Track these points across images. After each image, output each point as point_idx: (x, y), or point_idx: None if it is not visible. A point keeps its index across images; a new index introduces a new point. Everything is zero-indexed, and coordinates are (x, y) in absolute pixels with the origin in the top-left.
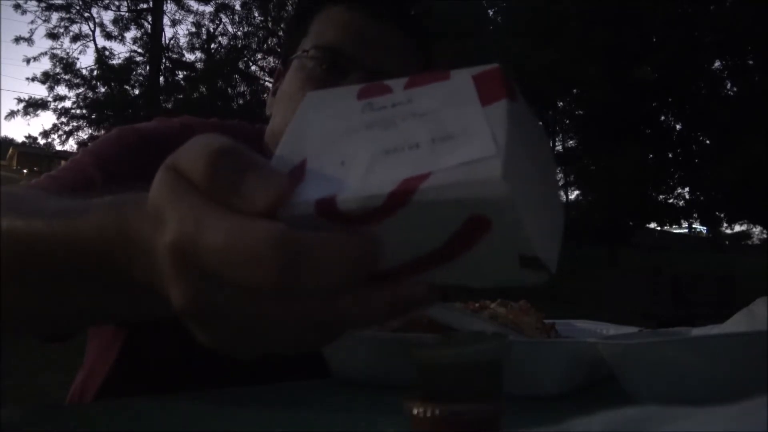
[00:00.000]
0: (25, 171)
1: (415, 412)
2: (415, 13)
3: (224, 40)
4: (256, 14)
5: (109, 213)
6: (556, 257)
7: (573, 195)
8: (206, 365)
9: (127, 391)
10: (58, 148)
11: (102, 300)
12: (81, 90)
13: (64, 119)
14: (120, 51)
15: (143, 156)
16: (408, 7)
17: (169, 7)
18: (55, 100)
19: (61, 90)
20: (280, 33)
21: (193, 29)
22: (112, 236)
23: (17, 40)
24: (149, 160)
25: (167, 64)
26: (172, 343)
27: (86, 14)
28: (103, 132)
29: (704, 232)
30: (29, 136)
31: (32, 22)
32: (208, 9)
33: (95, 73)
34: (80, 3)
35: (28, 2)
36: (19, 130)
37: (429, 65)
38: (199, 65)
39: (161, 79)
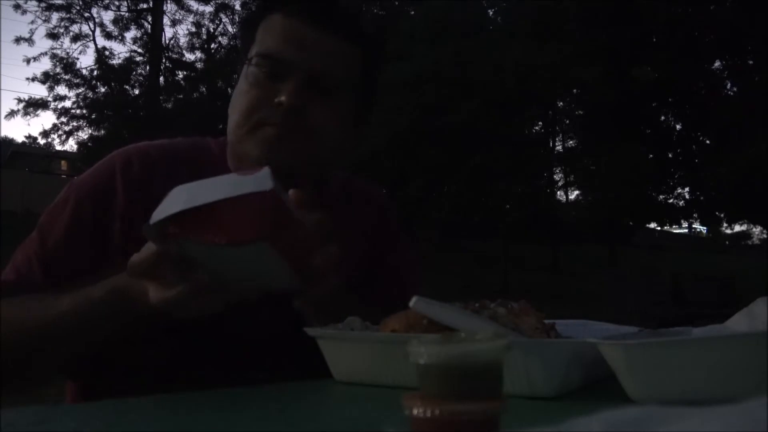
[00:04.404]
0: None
1: (415, 412)
2: (347, 16)
3: (224, 40)
4: None
5: (104, 290)
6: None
7: (573, 195)
8: (204, 367)
9: (126, 392)
10: (58, 148)
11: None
12: (81, 90)
13: (64, 119)
14: (120, 51)
15: (85, 220)
16: (339, 11)
17: (169, 7)
18: (55, 100)
19: (61, 90)
20: None
21: (193, 29)
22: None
23: (17, 40)
24: (90, 222)
25: (167, 64)
26: (171, 346)
27: (86, 14)
28: (102, 132)
29: (704, 232)
30: (29, 136)
31: (32, 22)
32: (208, 9)
33: (95, 73)
34: (80, 3)
35: (28, 2)
36: (19, 130)
37: (369, 66)
38: (199, 65)
39: (161, 79)
